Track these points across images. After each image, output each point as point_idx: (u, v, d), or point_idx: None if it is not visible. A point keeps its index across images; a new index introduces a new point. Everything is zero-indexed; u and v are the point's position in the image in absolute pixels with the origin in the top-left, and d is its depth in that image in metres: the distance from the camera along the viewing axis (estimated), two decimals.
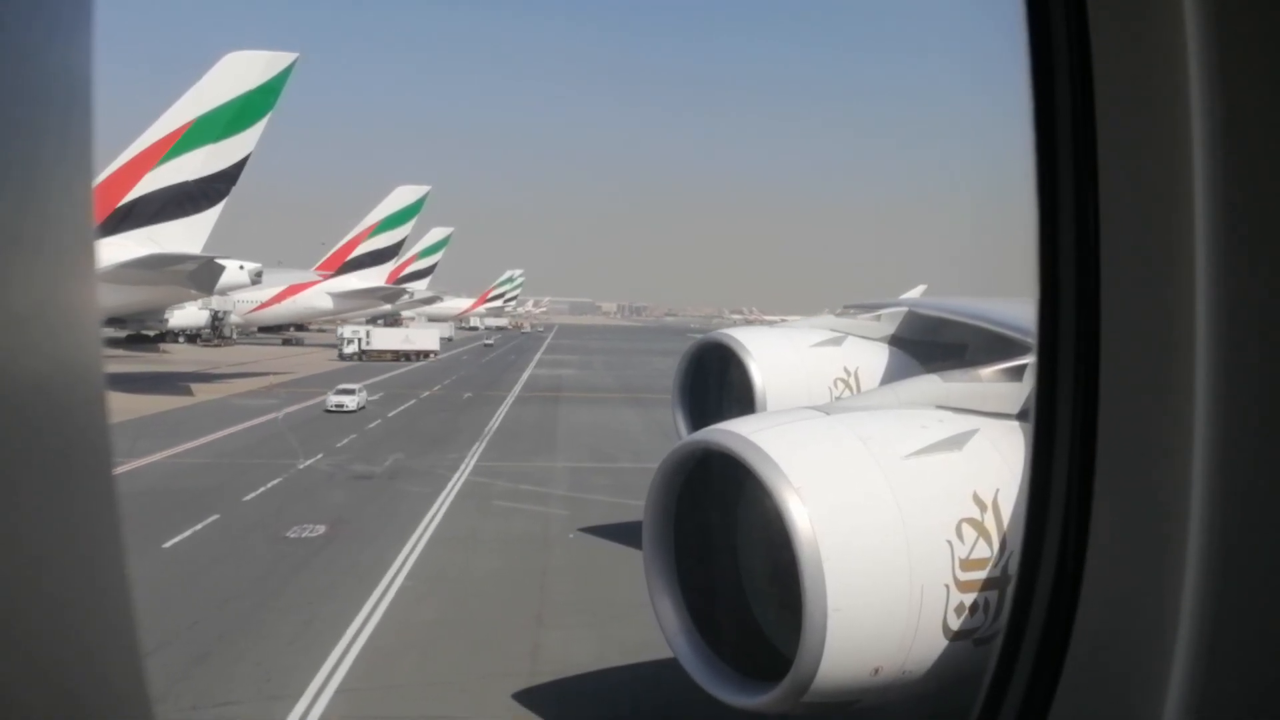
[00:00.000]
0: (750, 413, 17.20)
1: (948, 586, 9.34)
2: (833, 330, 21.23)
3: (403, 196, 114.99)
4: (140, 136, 59.65)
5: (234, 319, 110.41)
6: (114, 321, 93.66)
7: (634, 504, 30.64)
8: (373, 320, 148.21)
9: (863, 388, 19.43)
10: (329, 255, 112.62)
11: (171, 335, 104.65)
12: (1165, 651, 2.50)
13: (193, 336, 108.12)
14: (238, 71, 60.74)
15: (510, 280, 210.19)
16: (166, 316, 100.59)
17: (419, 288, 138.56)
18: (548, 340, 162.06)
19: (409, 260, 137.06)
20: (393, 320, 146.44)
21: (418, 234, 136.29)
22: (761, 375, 19.13)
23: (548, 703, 15.63)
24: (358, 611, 19.49)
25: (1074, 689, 2.83)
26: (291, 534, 25.79)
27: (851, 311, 23.70)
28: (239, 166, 61.39)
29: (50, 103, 1.40)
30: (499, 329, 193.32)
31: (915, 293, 42.66)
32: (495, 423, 50.61)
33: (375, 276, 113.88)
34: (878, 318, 22.24)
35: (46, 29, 1.38)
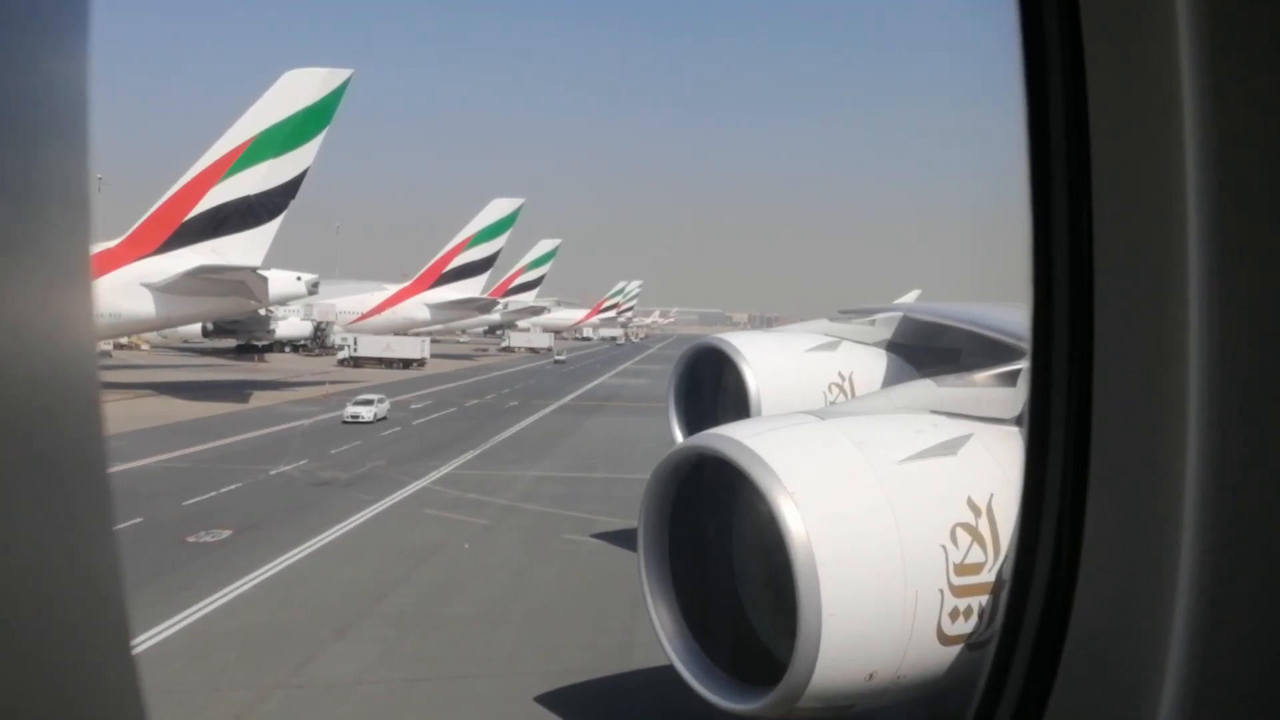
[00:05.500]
0: (745, 417, 16.92)
1: (942, 591, 9.33)
2: (827, 335, 20.93)
3: (498, 209, 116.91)
4: (205, 153, 62.75)
5: (337, 329, 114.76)
6: (224, 332, 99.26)
7: (565, 514, 30.25)
8: (489, 330, 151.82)
9: (857, 393, 19.04)
10: (426, 268, 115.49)
11: (279, 345, 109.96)
12: (1160, 654, 2.48)
13: (298, 346, 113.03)
14: (295, 88, 63.13)
15: (623, 291, 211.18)
16: (273, 328, 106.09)
17: (526, 299, 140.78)
18: (650, 350, 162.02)
19: (517, 273, 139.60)
20: (502, 331, 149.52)
21: (526, 246, 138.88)
22: (756, 380, 18.75)
23: (560, 704, 15.51)
24: (172, 617, 19.41)
25: (1069, 692, 2.84)
26: (191, 539, 26.08)
27: (846, 316, 22.87)
28: (298, 180, 63.75)
29: (47, 106, 1.40)
30: (611, 339, 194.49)
31: (909, 298, 40.56)
32: (508, 432, 50.58)
33: (471, 288, 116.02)
34: (872, 323, 21.76)
35: (43, 33, 1.38)
